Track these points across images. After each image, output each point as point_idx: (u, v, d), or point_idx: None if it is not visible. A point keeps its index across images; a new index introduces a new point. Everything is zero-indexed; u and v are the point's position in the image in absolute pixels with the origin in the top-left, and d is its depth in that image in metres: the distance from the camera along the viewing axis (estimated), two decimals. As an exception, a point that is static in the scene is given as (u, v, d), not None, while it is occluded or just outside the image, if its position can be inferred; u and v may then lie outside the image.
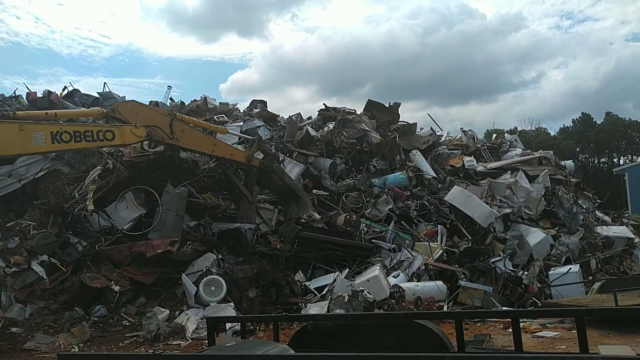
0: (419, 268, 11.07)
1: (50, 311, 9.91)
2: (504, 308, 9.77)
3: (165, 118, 9.90)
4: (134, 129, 9.25)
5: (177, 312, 9.74)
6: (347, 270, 10.91)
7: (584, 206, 16.92)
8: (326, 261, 11.36)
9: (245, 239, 10.53)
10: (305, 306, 9.72)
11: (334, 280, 10.28)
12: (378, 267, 10.40)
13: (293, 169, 13.62)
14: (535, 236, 13.41)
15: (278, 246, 10.81)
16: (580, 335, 4.42)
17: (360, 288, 9.57)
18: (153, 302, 10.34)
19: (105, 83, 17.87)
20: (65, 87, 17.18)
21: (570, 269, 11.64)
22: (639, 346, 6.22)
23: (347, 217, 12.22)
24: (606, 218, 17.69)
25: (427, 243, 11.89)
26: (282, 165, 13.32)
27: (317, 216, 12.97)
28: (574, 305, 8.58)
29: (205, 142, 10.65)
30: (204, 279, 9.97)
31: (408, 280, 10.68)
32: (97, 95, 17.08)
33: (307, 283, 10.62)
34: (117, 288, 9.98)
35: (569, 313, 6.27)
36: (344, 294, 9.46)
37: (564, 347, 7.39)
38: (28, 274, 10.26)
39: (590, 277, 12.38)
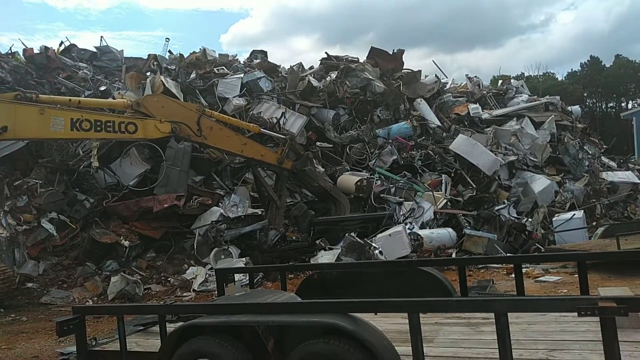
0: (431, 218, 11.13)
1: (62, 267, 10.20)
2: (508, 255, 9.90)
3: (192, 114, 9.39)
4: (158, 124, 8.86)
5: (185, 266, 9.99)
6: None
7: (590, 152, 16.82)
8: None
9: (257, 239, 10.14)
10: (316, 254, 9.86)
11: (345, 238, 10.11)
12: (402, 225, 10.36)
13: (296, 121, 13.46)
14: (540, 183, 13.40)
15: (294, 237, 10.48)
16: (581, 278, 4.51)
17: (374, 245, 9.47)
18: (162, 255, 10.58)
19: (102, 37, 17.58)
20: (62, 43, 16.87)
21: (574, 214, 11.69)
22: (638, 288, 6.34)
23: (359, 183, 11.89)
24: (612, 163, 17.59)
25: (430, 193, 11.92)
26: (284, 118, 13.16)
27: (321, 169, 12.97)
28: (576, 250, 8.68)
29: (234, 141, 10.10)
30: (214, 249, 9.93)
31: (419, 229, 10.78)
32: (94, 50, 16.76)
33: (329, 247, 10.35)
34: (126, 243, 10.19)
35: (570, 257, 6.36)
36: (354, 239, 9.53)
37: (565, 290, 7.54)
38: (38, 231, 10.46)
39: (594, 223, 12.45)
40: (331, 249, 9.99)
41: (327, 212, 11.57)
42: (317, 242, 10.25)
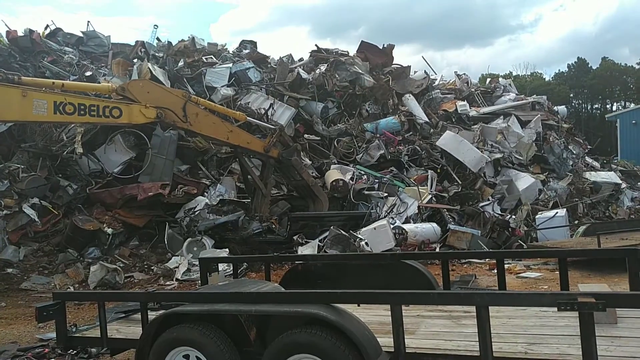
0: (415, 213, 11.18)
1: (44, 253, 10.06)
2: (490, 250, 10.00)
3: (178, 100, 9.23)
4: (143, 109, 8.70)
5: (169, 255, 9.92)
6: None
7: (574, 152, 17.04)
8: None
9: (238, 226, 10.22)
10: (295, 249, 9.85)
11: (330, 231, 10.10)
12: (385, 219, 10.41)
13: (284, 113, 13.41)
14: (524, 181, 13.55)
15: (273, 226, 10.41)
16: (562, 275, 4.58)
17: (360, 237, 9.50)
18: (146, 244, 10.50)
19: (89, 22, 17.15)
20: (47, 26, 16.48)
21: (556, 213, 11.84)
22: (617, 285, 6.45)
23: (334, 183, 11.82)
24: (595, 164, 17.86)
25: (415, 188, 11.98)
26: (272, 109, 13.10)
27: (308, 161, 12.95)
28: (557, 247, 8.80)
29: (221, 128, 9.94)
30: (187, 239, 9.91)
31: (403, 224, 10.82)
32: (81, 35, 16.45)
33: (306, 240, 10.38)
34: (109, 230, 10.08)
35: (551, 254, 6.45)
36: (339, 232, 9.53)
37: (546, 286, 7.64)
38: (20, 216, 10.29)
39: (576, 222, 12.63)
40: (307, 242, 9.99)
41: (305, 209, 11.53)
42: (295, 237, 10.20)
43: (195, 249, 9.78)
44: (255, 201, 10.68)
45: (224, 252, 9.41)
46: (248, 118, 11.38)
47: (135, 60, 14.74)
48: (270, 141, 10.57)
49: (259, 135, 11.85)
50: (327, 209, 11.33)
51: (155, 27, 18.26)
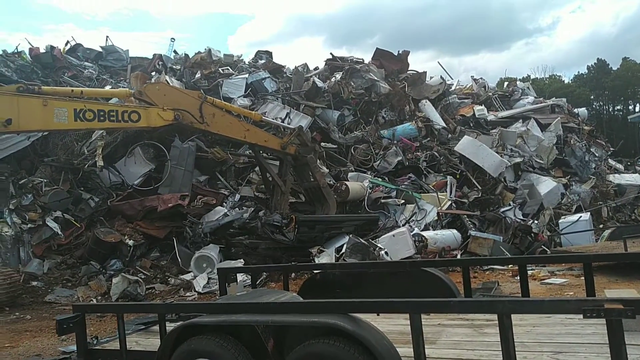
0: (435, 220, 11.06)
1: (67, 266, 10.21)
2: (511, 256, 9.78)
3: (194, 101, 9.35)
4: (161, 112, 8.83)
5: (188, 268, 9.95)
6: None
7: (597, 154, 16.69)
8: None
9: (260, 218, 10.09)
10: (314, 257, 9.78)
11: (349, 239, 9.80)
12: (405, 227, 10.31)
13: (300, 122, 13.41)
14: (546, 185, 13.32)
15: (288, 229, 10.10)
16: (587, 280, 4.44)
17: (380, 246, 9.38)
18: (167, 255, 10.57)
19: (107, 37, 17.53)
20: (67, 42, 16.90)
21: (580, 217, 11.61)
22: (646, 291, 6.24)
23: (339, 184, 11.85)
24: (619, 166, 17.47)
25: (434, 194, 11.84)
26: (288, 118, 13.14)
27: (325, 170, 12.92)
28: (581, 252, 8.58)
29: (237, 128, 10.03)
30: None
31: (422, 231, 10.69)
32: (100, 50, 16.81)
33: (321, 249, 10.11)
34: (130, 242, 10.18)
35: (576, 259, 6.28)
36: (358, 241, 9.44)
37: (571, 293, 7.45)
38: (43, 230, 10.49)
39: (601, 225, 12.34)
40: (323, 250, 9.86)
41: (311, 214, 11.31)
42: (312, 251, 9.93)
43: (204, 265, 9.66)
44: (275, 199, 10.72)
45: (239, 263, 9.40)
46: (264, 117, 11.46)
47: (153, 73, 14.99)
48: (289, 139, 10.64)
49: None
50: (334, 212, 11.24)
51: (172, 40, 18.56)
